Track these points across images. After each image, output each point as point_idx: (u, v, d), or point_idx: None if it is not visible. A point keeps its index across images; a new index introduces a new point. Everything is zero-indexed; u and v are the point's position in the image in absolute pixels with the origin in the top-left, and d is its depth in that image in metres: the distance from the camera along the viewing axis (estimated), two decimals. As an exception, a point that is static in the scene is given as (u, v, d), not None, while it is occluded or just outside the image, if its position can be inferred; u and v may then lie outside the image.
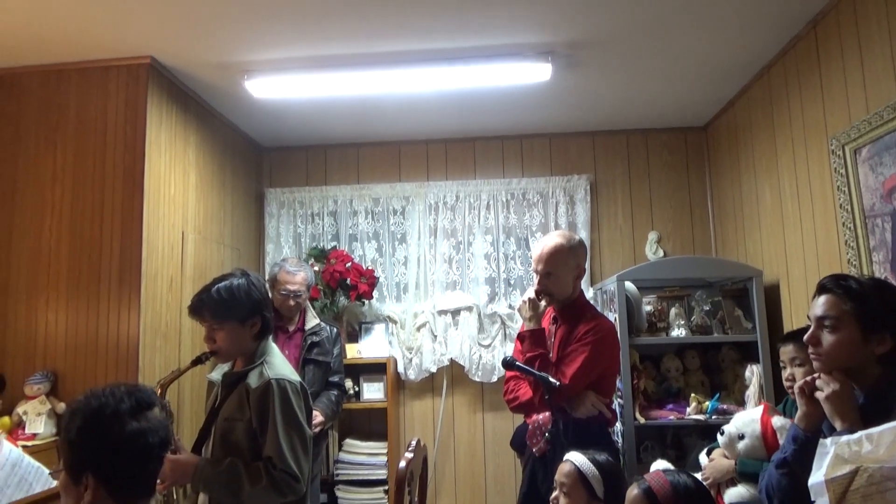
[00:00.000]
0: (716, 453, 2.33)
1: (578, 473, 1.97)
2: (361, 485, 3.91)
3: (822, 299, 1.73)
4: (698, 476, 2.28)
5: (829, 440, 1.36)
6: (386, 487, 3.89)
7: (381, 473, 3.91)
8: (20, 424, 2.77)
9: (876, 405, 1.59)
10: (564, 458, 2.05)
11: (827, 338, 1.69)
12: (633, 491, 1.72)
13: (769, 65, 3.32)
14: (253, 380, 1.99)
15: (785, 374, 2.34)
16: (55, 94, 3.14)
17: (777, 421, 2.15)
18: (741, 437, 2.21)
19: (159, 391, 2.08)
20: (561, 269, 2.47)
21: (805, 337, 1.75)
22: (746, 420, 2.24)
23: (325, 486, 3.87)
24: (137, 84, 3.09)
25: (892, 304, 1.65)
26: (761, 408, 2.26)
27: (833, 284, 1.72)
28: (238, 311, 2.02)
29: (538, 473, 2.50)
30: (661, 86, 3.66)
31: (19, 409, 2.81)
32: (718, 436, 2.30)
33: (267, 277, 3.45)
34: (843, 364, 1.67)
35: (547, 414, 2.42)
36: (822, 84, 2.86)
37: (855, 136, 2.57)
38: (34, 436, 2.72)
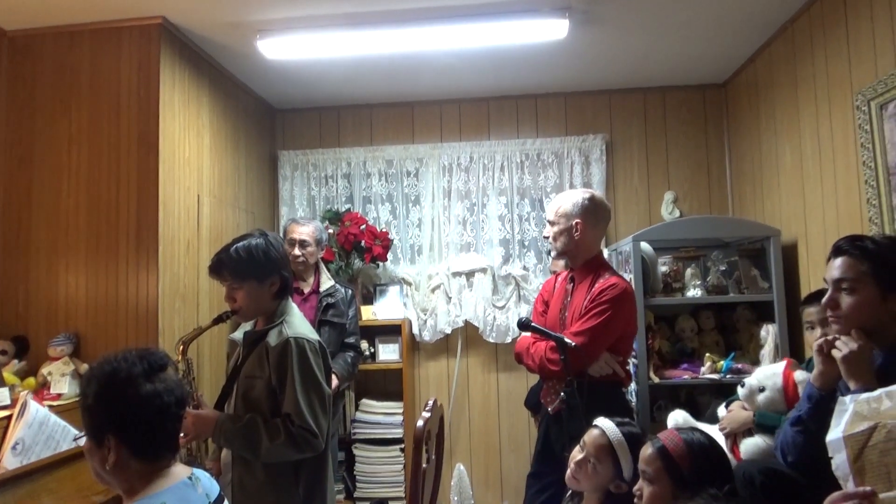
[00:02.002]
0: (734, 405, 2.34)
1: (610, 449, 1.86)
2: (378, 443, 3.98)
3: (838, 261, 1.71)
4: (716, 427, 2.30)
5: (847, 398, 1.36)
6: (402, 446, 3.96)
7: (397, 432, 3.97)
8: (45, 385, 2.82)
9: (896, 363, 1.59)
10: (594, 423, 1.94)
11: (845, 300, 1.68)
12: (647, 450, 1.72)
13: (793, 18, 3.22)
14: (272, 338, 2.03)
15: (816, 333, 2.32)
16: (68, 56, 3.12)
17: (799, 375, 2.16)
18: (762, 389, 2.22)
19: (181, 348, 2.13)
20: (561, 220, 2.55)
21: (823, 300, 1.74)
22: (768, 373, 2.25)
23: (342, 445, 3.95)
24: (150, 45, 3.06)
25: None
26: (784, 362, 2.27)
27: (849, 245, 1.70)
28: (257, 270, 2.04)
29: (552, 431, 2.53)
30: (680, 42, 3.57)
31: (44, 370, 2.86)
32: (739, 388, 2.31)
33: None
34: (863, 325, 1.66)
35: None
36: (848, 37, 2.77)
37: (882, 91, 2.50)
38: (59, 396, 2.77)
